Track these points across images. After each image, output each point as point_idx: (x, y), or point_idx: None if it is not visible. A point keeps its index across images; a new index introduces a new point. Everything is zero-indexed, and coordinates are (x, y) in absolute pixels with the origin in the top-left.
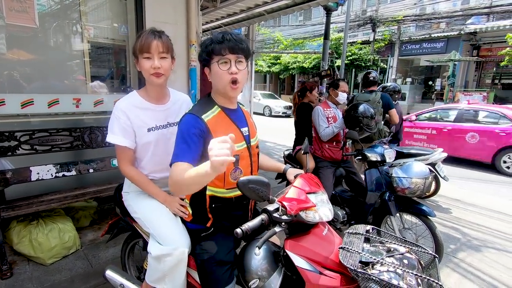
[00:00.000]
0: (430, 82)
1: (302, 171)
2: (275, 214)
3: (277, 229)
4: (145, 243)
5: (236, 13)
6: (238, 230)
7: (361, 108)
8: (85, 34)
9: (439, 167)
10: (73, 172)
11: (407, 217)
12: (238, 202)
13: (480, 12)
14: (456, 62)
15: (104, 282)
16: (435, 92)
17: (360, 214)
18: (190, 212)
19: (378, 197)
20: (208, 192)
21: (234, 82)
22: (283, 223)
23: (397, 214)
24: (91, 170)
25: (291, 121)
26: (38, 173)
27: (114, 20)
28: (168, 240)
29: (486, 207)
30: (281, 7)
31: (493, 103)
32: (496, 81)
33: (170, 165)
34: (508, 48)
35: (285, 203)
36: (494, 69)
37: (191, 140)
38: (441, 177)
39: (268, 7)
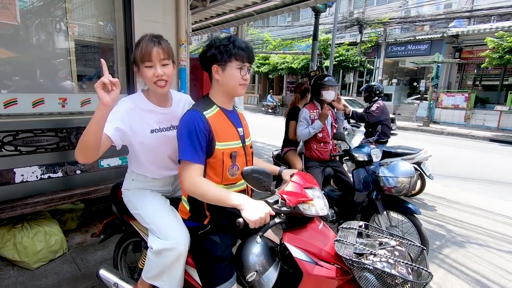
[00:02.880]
0: (415, 83)
1: (296, 171)
2: (275, 206)
3: (277, 220)
4: (137, 245)
5: (225, 13)
6: (240, 220)
7: (323, 77)
8: (70, 32)
9: (424, 165)
10: (59, 174)
11: (394, 215)
12: None
13: (462, 15)
14: (439, 64)
15: (94, 286)
16: (419, 93)
17: (348, 213)
18: (188, 209)
19: (365, 196)
20: None
21: (245, 84)
22: (282, 214)
23: (384, 212)
24: (78, 172)
25: (261, 118)
26: (22, 175)
27: (101, 19)
28: (169, 235)
29: (468, 204)
30: (271, 8)
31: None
32: (477, 83)
33: (179, 160)
34: (488, 51)
35: (285, 196)
36: (475, 71)
37: (198, 139)
38: (427, 175)
39: (258, 7)
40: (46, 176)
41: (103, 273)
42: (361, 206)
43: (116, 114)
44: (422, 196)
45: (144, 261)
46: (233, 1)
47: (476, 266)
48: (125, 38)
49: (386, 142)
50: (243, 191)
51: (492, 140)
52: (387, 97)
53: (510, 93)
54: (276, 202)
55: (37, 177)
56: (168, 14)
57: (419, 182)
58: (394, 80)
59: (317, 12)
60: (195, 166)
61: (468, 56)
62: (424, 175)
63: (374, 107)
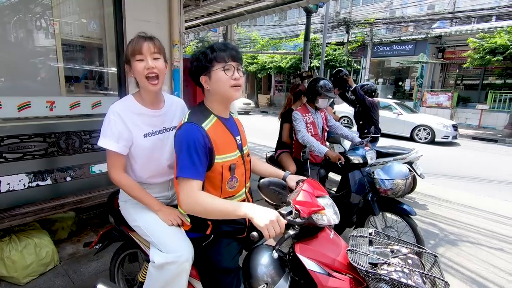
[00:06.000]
0: (400, 83)
1: (302, 177)
2: (289, 217)
3: (291, 231)
4: (134, 256)
5: (216, 12)
6: (255, 233)
7: (321, 82)
8: (57, 30)
9: (416, 165)
10: (48, 181)
11: (389, 215)
12: None
13: (444, 17)
14: (424, 64)
15: None
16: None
17: (344, 214)
18: (189, 220)
19: (361, 197)
20: None
21: (238, 86)
22: (296, 226)
23: (380, 214)
24: (68, 178)
25: (250, 118)
26: (8, 184)
27: (90, 18)
28: (171, 248)
29: (458, 202)
30: (262, 8)
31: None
32: (459, 82)
33: (177, 177)
34: (469, 51)
35: (298, 206)
36: (457, 70)
37: (198, 154)
38: (418, 175)
39: (249, 7)
40: (34, 184)
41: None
42: (357, 207)
43: (113, 127)
44: (413, 195)
45: (145, 274)
46: (225, 0)
47: (470, 264)
48: (116, 38)
49: (378, 138)
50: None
51: (474, 138)
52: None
53: (490, 92)
54: (290, 213)
55: (25, 185)
56: (161, 13)
57: None
58: (380, 80)
59: (308, 13)
60: (194, 183)
61: (450, 56)
62: (416, 174)
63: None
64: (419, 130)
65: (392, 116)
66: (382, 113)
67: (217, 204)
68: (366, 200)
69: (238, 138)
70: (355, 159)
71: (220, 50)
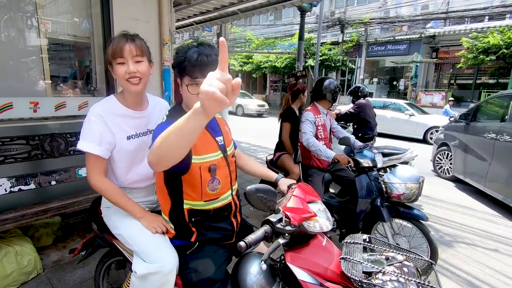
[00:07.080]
0: (395, 82)
1: (294, 181)
2: (279, 225)
3: (281, 240)
4: (121, 263)
5: (209, 11)
6: (242, 244)
7: (326, 82)
8: (43, 29)
9: (411, 165)
10: (32, 186)
11: (398, 221)
12: (217, 214)
13: (438, 17)
14: (418, 64)
15: None
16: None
17: (350, 221)
18: (173, 227)
19: (369, 203)
20: (185, 206)
21: None
22: (286, 234)
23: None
24: (53, 182)
25: (264, 120)
26: None
27: (78, 16)
28: (154, 257)
29: (451, 202)
30: (255, 6)
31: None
32: (452, 82)
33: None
34: (463, 51)
35: (288, 213)
36: (451, 70)
37: None
38: None
39: (242, 6)
40: (16, 188)
41: None
42: (364, 213)
43: (94, 129)
44: None
45: (129, 284)
46: None
47: (466, 266)
48: (104, 37)
49: (372, 137)
50: (227, 205)
51: None
52: (370, 95)
53: (484, 91)
54: (280, 220)
55: (6, 190)
56: (150, 11)
57: None
58: (375, 79)
59: (302, 12)
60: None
61: (444, 56)
62: None
63: (353, 107)
64: (433, 132)
65: (404, 117)
66: (393, 114)
67: (170, 127)
68: (373, 206)
69: (219, 138)
70: (365, 162)
71: (191, 63)
